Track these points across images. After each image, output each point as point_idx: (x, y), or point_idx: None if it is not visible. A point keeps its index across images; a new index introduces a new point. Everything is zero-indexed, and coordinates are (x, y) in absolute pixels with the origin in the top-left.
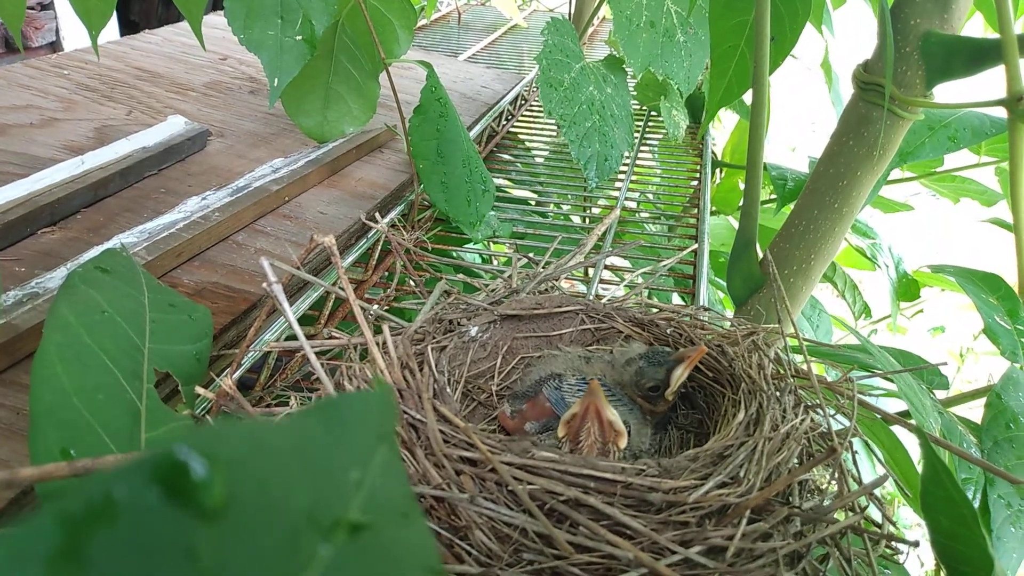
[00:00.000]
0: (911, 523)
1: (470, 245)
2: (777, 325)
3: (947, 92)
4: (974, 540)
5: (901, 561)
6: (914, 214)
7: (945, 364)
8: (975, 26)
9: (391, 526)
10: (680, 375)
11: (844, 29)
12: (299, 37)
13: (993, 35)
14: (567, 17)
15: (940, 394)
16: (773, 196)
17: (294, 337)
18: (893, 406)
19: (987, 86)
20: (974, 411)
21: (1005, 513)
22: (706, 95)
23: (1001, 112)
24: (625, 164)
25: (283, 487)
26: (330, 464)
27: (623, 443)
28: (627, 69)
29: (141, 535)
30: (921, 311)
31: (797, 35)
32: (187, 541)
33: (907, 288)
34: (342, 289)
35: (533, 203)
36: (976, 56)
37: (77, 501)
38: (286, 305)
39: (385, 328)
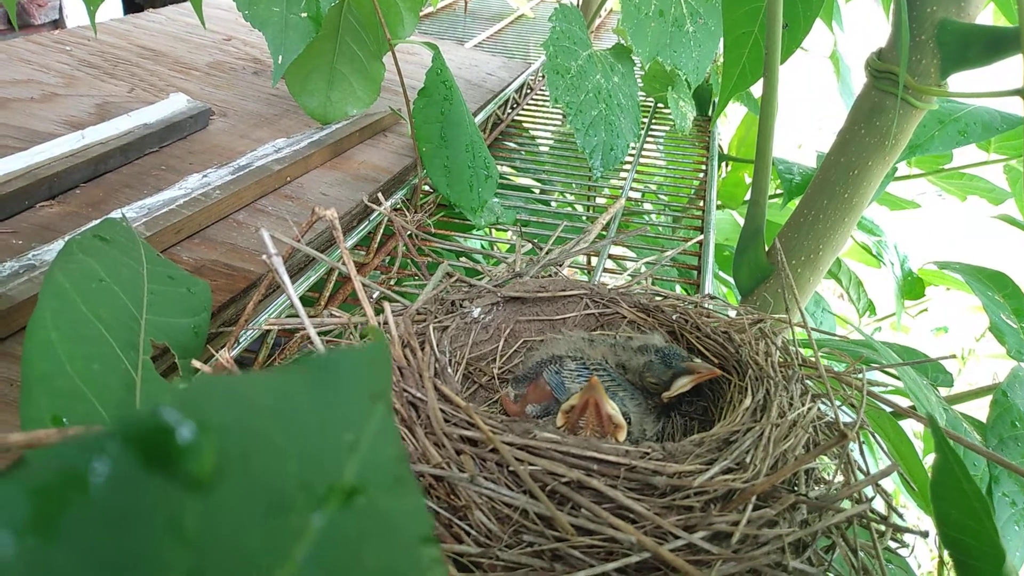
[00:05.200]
0: (909, 524)
1: (472, 232)
2: (785, 315)
3: (958, 85)
4: (984, 533)
5: (906, 554)
6: (919, 214)
7: (953, 356)
8: (990, 16)
9: (385, 491)
10: (681, 386)
11: (852, 24)
12: (304, 14)
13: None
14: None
15: (944, 392)
16: (779, 191)
17: (293, 315)
18: (897, 403)
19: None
20: (976, 412)
21: (1009, 512)
22: (714, 86)
23: (1013, 107)
24: (630, 155)
25: (274, 451)
26: (323, 426)
27: (622, 436)
28: (634, 59)
29: (120, 506)
30: (925, 310)
31: (810, 23)
32: (171, 512)
33: (912, 286)
34: (344, 265)
35: (537, 192)
36: (993, 45)
37: (49, 468)
38: (286, 277)
39: (386, 306)
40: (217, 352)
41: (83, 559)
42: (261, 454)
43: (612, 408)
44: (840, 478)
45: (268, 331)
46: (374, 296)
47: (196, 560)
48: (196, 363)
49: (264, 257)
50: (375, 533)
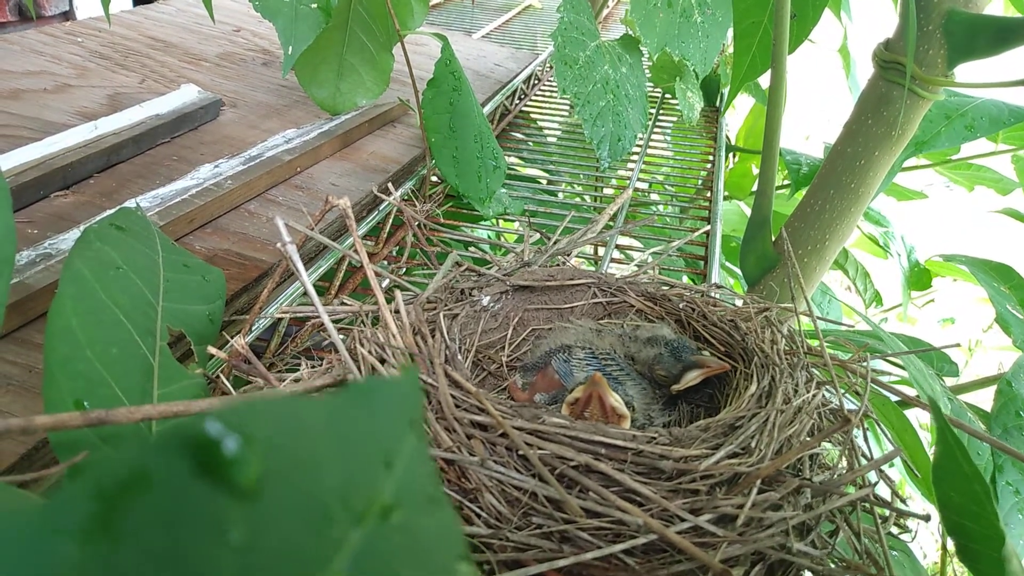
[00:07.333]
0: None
1: (480, 223)
2: (791, 304)
3: (964, 76)
4: (985, 516)
5: (909, 540)
6: (927, 204)
7: (958, 345)
8: (999, 7)
9: (420, 510)
10: (691, 379)
11: (860, 14)
12: (314, 5)
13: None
14: None
15: (950, 382)
16: (786, 182)
17: (305, 304)
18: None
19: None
20: (982, 402)
21: (1013, 500)
22: (722, 77)
23: (1020, 98)
24: (638, 146)
25: (316, 467)
26: (363, 446)
27: (626, 425)
28: (642, 50)
29: (173, 510)
30: (932, 301)
31: (819, 13)
32: (219, 519)
33: (919, 277)
34: (356, 253)
35: (544, 182)
36: (1000, 35)
37: (110, 472)
38: (300, 265)
39: (397, 294)
40: (232, 339)
41: (143, 561)
42: (304, 468)
43: (616, 400)
44: (844, 464)
45: (280, 319)
46: (384, 284)
47: (243, 563)
48: (212, 349)
49: (279, 245)
50: (412, 550)
